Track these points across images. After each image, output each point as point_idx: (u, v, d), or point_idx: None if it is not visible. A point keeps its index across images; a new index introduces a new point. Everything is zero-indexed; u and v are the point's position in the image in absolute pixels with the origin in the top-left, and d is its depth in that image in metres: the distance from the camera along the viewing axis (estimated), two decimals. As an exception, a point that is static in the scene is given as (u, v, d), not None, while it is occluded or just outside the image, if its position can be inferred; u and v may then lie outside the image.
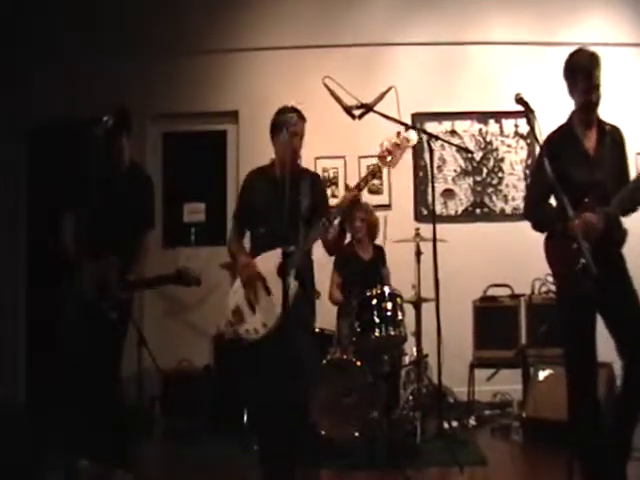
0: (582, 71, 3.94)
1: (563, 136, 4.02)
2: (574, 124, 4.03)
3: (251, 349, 4.04)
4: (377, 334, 5.27)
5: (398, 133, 3.92)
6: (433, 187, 5.51)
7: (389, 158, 3.87)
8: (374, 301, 5.34)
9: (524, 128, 7.14)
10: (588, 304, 3.85)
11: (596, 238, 3.70)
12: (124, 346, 4.64)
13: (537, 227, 4.13)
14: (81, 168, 4.64)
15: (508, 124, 7.29)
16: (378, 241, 6.14)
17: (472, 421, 5.98)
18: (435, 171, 6.65)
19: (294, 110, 4.13)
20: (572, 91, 4.04)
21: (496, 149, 7.32)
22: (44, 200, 5.56)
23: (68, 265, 4.51)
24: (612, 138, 4.02)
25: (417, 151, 7.13)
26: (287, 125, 4.05)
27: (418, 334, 5.54)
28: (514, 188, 7.21)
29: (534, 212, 4.17)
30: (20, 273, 7.41)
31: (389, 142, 3.86)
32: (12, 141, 7.46)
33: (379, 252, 6.07)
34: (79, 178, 4.60)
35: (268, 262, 4.01)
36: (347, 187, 4.14)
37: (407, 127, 4.22)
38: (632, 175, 4.09)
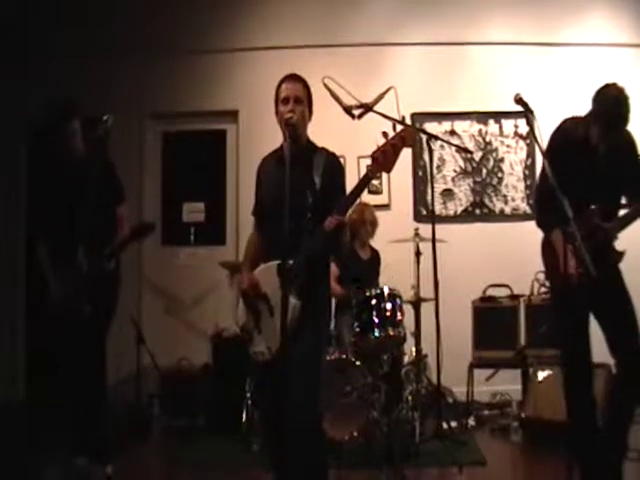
0: (610, 112, 3.89)
1: (579, 131, 4.00)
2: (589, 130, 4.00)
3: (264, 369, 3.66)
4: (376, 334, 5.25)
5: (384, 133, 3.48)
6: (432, 187, 5.52)
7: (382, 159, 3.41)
8: (373, 301, 5.33)
9: (524, 128, 7.12)
10: (582, 306, 3.87)
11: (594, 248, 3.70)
12: (105, 344, 4.63)
13: (539, 226, 4.14)
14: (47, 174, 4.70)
15: (508, 124, 7.29)
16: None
17: (471, 421, 5.97)
18: (434, 171, 6.66)
19: (292, 75, 3.75)
20: (596, 119, 4.00)
21: (496, 149, 7.31)
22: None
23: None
24: (624, 142, 4.02)
25: (416, 151, 7.13)
26: (281, 90, 3.69)
27: (417, 334, 5.53)
28: (513, 188, 7.21)
29: (539, 205, 4.18)
30: (20, 272, 7.41)
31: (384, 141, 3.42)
32: (12, 141, 7.46)
33: (376, 254, 6.10)
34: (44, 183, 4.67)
35: (272, 274, 3.57)
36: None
37: (401, 123, 4.05)
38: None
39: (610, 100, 3.89)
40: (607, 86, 3.97)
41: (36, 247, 4.65)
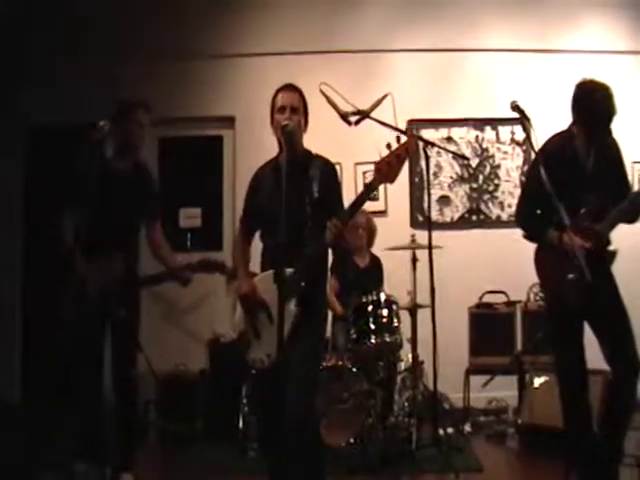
0: (597, 116, 3.90)
1: (562, 148, 4.01)
2: (575, 137, 4.02)
3: (261, 376, 3.72)
4: (373, 341, 5.27)
5: (388, 145, 3.45)
6: (429, 194, 5.51)
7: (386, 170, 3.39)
8: (370, 308, 5.34)
9: (520, 135, 7.13)
10: (576, 314, 3.88)
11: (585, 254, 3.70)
12: (138, 343, 4.66)
13: (528, 237, 4.15)
14: (83, 168, 4.67)
15: (504, 131, 7.30)
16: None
17: (467, 427, 5.97)
18: (431, 178, 6.64)
19: (288, 85, 3.80)
20: (580, 122, 3.99)
21: (492, 156, 7.33)
22: (41, 201, 5.57)
23: (65, 266, 4.53)
24: (610, 151, 4.04)
25: (413, 158, 7.14)
26: (278, 100, 3.75)
27: (414, 340, 5.53)
28: (510, 195, 7.20)
29: (526, 221, 4.18)
30: (17, 272, 7.40)
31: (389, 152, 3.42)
32: (10, 142, 7.46)
33: (376, 261, 6.07)
34: (81, 178, 4.62)
35: (269, 282, 3.59)
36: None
37: (404, 133, 4.07)
38: (629, 182, 4.15)
39: (595, 104, 3.89)
40: (586, 89, 3.96)
41: (65, 244, 4.56)
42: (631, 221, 3.99)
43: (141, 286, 4.79)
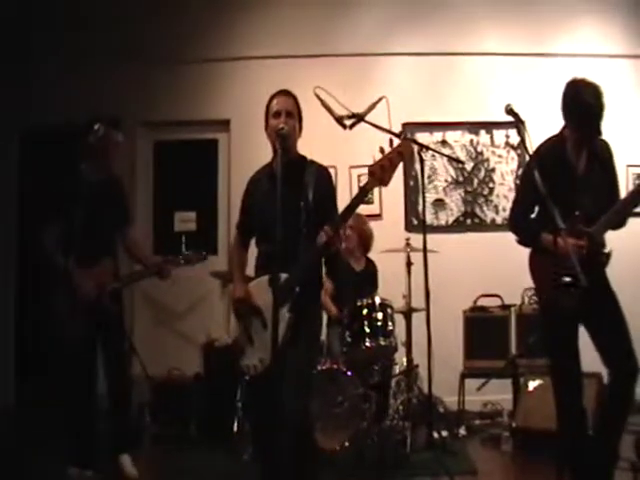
0: (586, 112, 3.88)
1: (554, 151, 4.02)
2: (566, 140, 4.03)
3: (255, 381, 3.73)
4: (367, 344, 5.26)
5: (382, 149, 3.45)
6: (424, 197, 5.53)
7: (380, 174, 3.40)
8: (364, 311, 5.33)
9: (515, 139, 7.15)
10: (571, 317, 3.88)
11: (580, 258, 3.70)
12: (132, 345, 4.76)
13: (521, 241, 4.15)
14: (70, 176, 4.73)
15: (499, 135, 7.31)
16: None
17: (462, 431, 5.96)
18: (426, 181, 6.68)
19: (282, 90, 3.83)
20: (570, 121, 4.01)
21: (487, 159, 7.33)
22: (35, 203, 5.57)
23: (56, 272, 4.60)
24: (602, 154, 4.04)
25: (407, 161, 7.13)
26: (272, 105, 3.76)
27: (408, 344, 5.54)
28: (505, 198, 7.21)
29: (519, 225, 4.18)
30: (10, 275, 7.41)
31: (382, 155, 3.42)
32: (4, 146, 7.46)
33: (371, 265, 6.06)
34: (65, 188, 4.72)
35: (264, 288, 3.63)
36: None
37: (398, 137, 4.06)
38: (619, 185, 4.15)
39: (584, 101, 3.88)
40: (575, 86, 3.95)
41: (52, 258, 4.69)
42: (617, 227, 3.99)
43: (124, 285, 4.94)
